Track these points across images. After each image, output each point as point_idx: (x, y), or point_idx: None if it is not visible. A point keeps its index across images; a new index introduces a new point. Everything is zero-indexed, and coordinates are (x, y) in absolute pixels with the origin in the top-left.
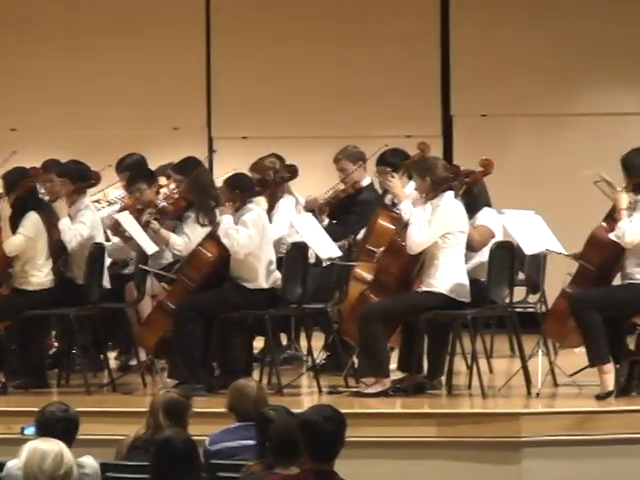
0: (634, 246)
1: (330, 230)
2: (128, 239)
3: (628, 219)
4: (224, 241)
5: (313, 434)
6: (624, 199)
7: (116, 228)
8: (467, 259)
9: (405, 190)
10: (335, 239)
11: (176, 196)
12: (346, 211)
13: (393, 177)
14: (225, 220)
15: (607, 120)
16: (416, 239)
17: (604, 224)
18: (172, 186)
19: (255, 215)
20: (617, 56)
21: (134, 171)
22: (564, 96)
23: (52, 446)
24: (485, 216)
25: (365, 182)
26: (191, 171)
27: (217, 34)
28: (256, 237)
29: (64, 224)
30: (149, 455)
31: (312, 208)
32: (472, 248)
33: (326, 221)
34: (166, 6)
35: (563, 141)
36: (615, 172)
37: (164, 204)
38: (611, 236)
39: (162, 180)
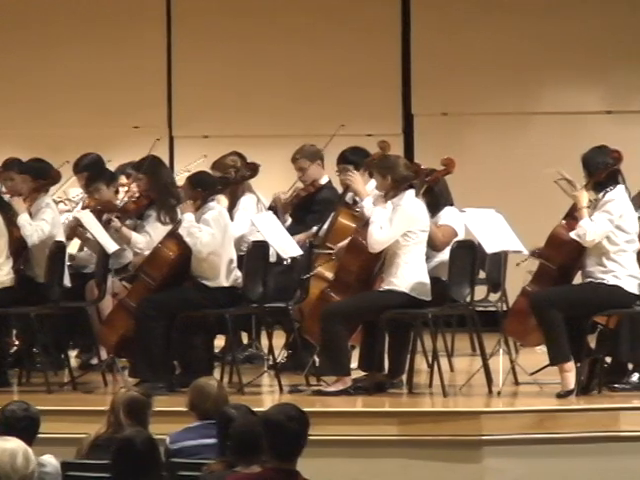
0: (594, 245)
1: (293, 230)
2: (86, 239)
3: (589, 218)
4: (187, 240)
5: (277, 433)
6: (585, 197)
7: (74, 229)
8: (428, 258)
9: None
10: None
11: (137, 195)
12: (306, 210)
13: (354, 173)
14: (187, 218)
15: (568, 119)
16: (377, 238)
17: (564, 223)
18: (133, 185)
19: (217, 213)
20: (578, 55)
21: (92, 171)
22: (524, 95)
23: (18, 444)
24: (447, 215)
25: (323, 180)
26: (152, 170)
27: (178, 33)
28: (218, 235)
29: (24, 219)
30: (110, 454)
31: (276, 205)
32: (435, 247)
33: (289, 220)
34: (127, 5)
35: (524, 140)
36: (576, 170)
37: (125, 202)
38: (572, 235)
39: (122, 179)
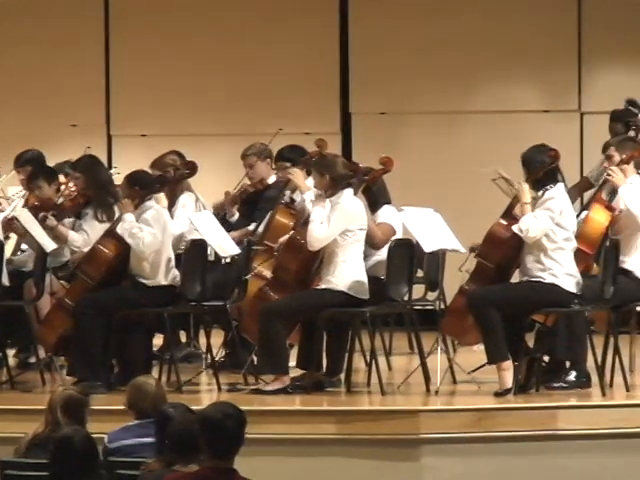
0: (533, 242)
1: (240, 225)
2: (24, 235)
3: (532, 214)
4: (129, 241)
5: (213, 431)
6: (527, 192)
7: (9, 225)
8: (366, 256)
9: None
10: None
11: (75, 193)
12: (253, 206)
13: (294, 169)
14: (127, 219)
15: (505, 118)
16: (317, 235)
17: (502, 221)
18: (71, 184)
19: (155, 212)
20: (515, 54)
21: (35, 168)
22: (462, 94)
23: None
24: (386, 214)
25: (271, 180)
26: (88, 168)
27: (116, 30)
28: (159, 234)
29: None
30: (48, 452)
31: (219, 212)
32: (374, 245)
33: (236, 215)
34: (65, 3)
35: (462, 138)
36: (514, 169)
37: (62, 201)
38: (514, 228)
39: (60, 178)
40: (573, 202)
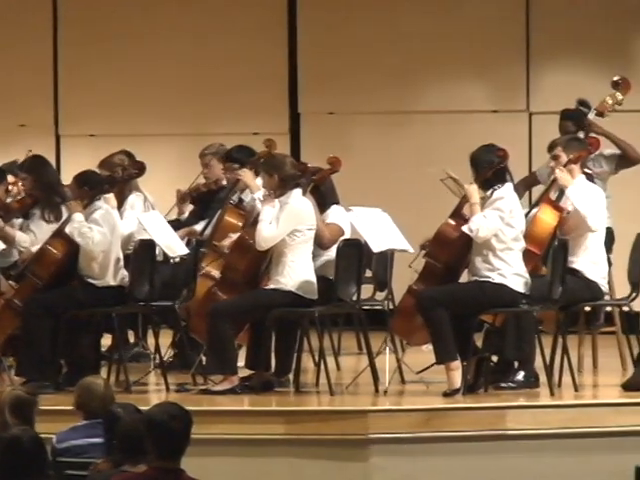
0: (482, 242)
1: (189, 224)
2: None
3: (482, 214)
4: (78, 240)
5: (159, 432)
6: (476, 192)
7: None
8: (315, 256)
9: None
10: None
11: (22, 194)
12: (206, 206)
13: (244, 170)
14: (77, 219)
15: (454, 117)
16: (265, 235)
17: (451, 221)
18: (19, 184)
19: (104, 211)
20: (463, 53)
21: None
22: (411, 94)
23: None
24: (334, 214)
25: (226, 181)
26: (34, 168)
27: (64, 30)
28: (108, 234)
29: None
30: None
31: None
32: (323, 245)
33: (186, 213)
34: (13, 2)
35: (410, 138)
36: (462, 169)
37: (9, 201)
38: (464, 229)
39: (9, 178)
40: (520, 198)
